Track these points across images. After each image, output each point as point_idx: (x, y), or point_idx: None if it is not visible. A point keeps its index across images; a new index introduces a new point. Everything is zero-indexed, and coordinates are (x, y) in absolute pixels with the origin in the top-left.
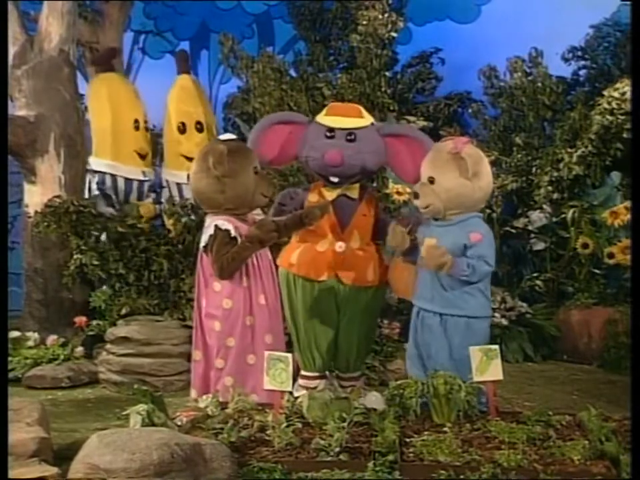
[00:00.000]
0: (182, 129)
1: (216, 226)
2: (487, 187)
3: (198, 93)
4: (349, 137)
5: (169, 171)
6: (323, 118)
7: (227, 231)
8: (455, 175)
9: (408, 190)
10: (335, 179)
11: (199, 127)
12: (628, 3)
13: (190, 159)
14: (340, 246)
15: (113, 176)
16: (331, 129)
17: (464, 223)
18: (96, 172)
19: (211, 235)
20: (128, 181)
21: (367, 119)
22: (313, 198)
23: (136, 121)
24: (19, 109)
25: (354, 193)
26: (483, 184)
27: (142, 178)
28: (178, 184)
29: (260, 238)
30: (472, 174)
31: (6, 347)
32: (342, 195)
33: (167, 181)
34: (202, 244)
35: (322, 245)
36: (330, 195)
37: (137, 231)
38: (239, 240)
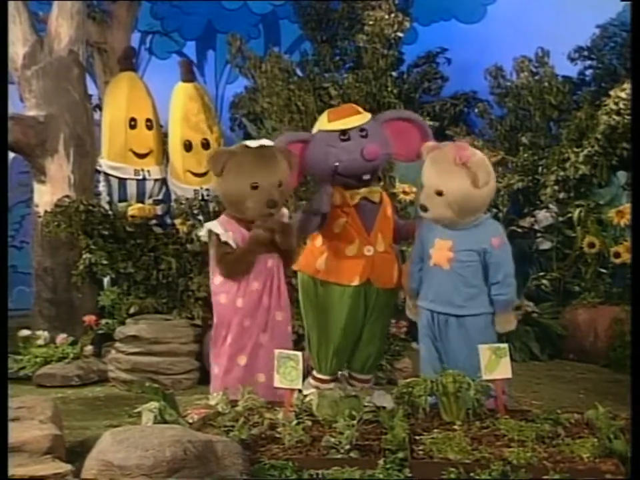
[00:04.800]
0: (187, 145)
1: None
2: (493, 189)
3: (203, 104)
4: (361, 134)
5: (174, 181)
6: (328, 125)
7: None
8: (466, 185)
9: (414, 189)
10: (367, 176)
11: (205, 143)
12: (629, 2)
13: (196, 175)
14: (368, 249)
15: (107, 175)
16: (344, 131)
17: (481, 225)
18: (98, 171)
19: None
20: (122, 180)
21: (367, 114)
22: (335, 202)
23: (132, 119)
24: (29, 109)
25: (375, 196)
26: (491, 186)
27: (133, 177)
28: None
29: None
30: (483, 184)
31: (6, 346)
32: (364, 198)
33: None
34: None
35: (350, 249)
36: (353, 199)
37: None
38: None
